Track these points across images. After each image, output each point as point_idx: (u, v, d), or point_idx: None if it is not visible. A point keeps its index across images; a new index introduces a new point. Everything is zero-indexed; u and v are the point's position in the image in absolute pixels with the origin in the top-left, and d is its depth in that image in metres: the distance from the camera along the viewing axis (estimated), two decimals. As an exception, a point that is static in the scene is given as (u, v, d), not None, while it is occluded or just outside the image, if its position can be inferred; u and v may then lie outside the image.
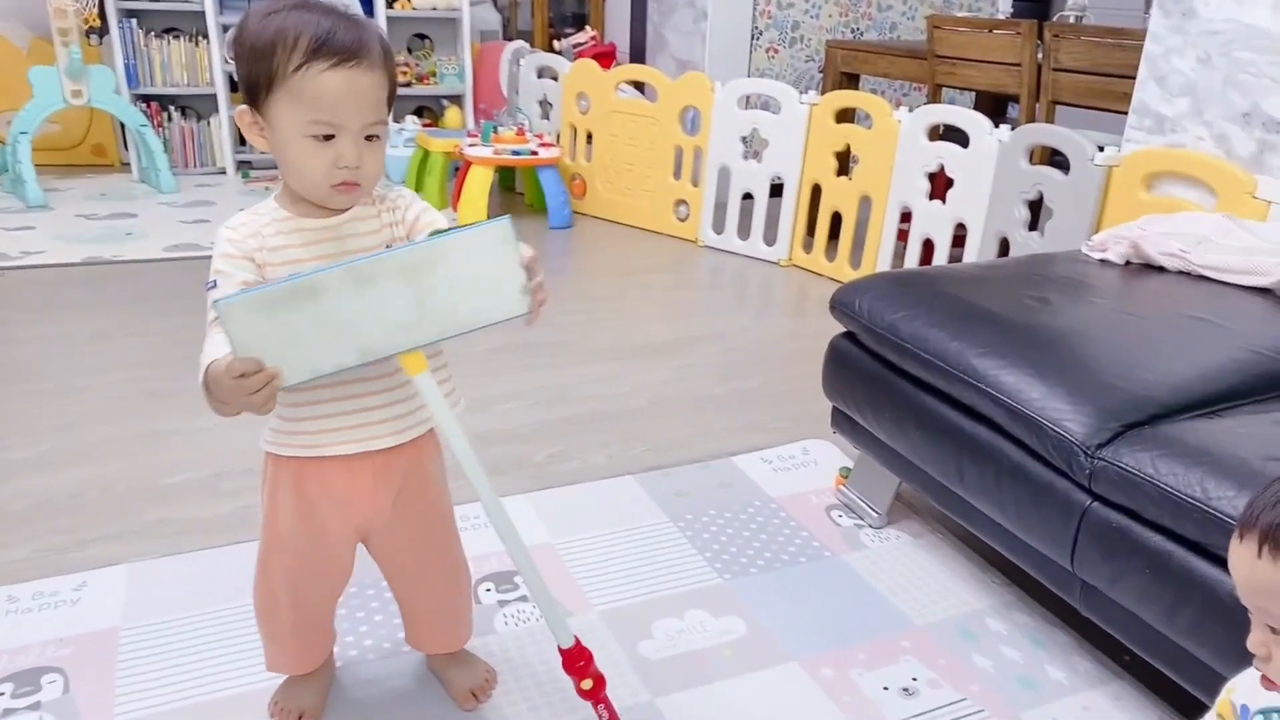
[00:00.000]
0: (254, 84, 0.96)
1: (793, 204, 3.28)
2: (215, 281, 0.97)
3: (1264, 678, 0.82)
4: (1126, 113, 2.43)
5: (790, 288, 3.22)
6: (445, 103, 4.50)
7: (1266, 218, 2.02)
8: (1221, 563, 1.11)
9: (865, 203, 3.10)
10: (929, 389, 1.52)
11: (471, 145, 3.59)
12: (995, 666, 1.42)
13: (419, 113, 4.49)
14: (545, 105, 3.95)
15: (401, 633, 1.34)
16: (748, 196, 3.38)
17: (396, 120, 4.32)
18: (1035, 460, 1.34)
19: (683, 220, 3.59)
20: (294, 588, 1.16)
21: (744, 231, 3.44)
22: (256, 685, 1.29)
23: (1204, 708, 1.04)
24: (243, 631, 1.37)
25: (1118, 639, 1.31)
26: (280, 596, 1.17)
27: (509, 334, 2.61)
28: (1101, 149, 2.38)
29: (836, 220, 3.18)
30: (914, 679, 1.38)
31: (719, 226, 3.50)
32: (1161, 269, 1.83)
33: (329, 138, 0.95)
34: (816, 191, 3.22)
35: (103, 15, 3.89)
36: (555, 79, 3.86)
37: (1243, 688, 0.92)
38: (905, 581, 1.61)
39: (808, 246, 3.31)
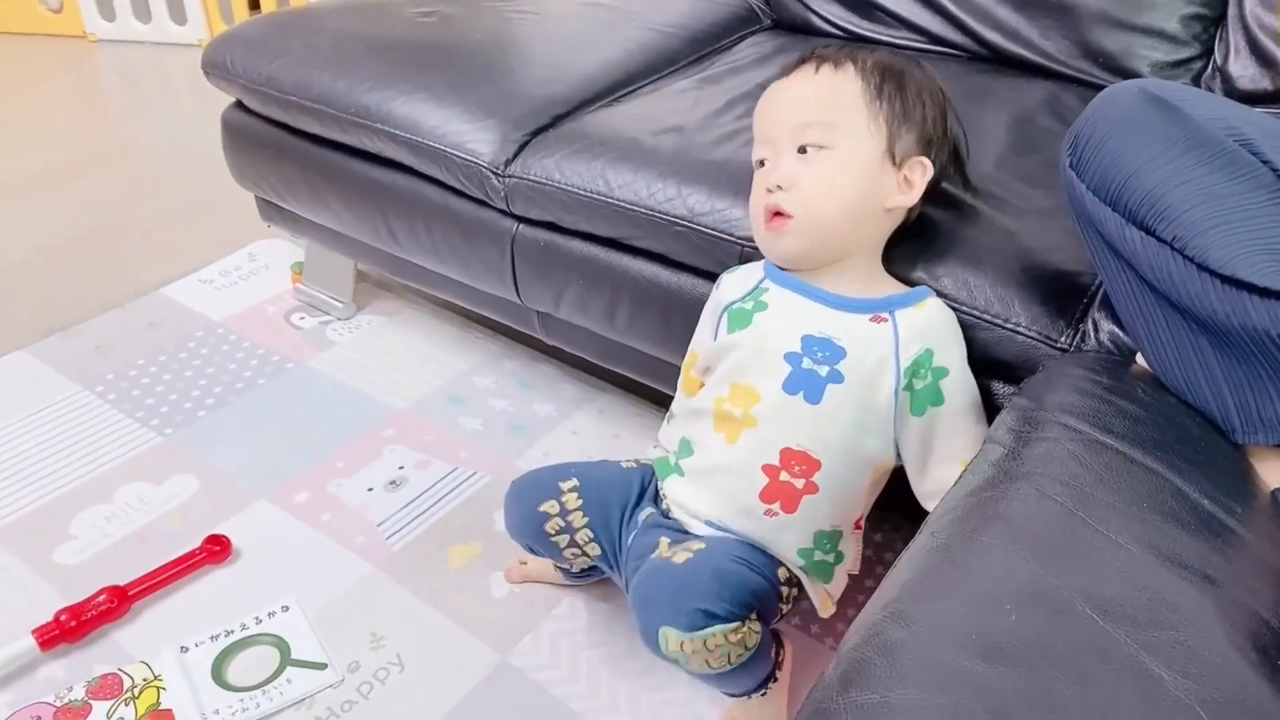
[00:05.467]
0: None
1: (190, -34, 2.68)
2: None
3: (777, 215, 0.85)
4: None
5: (220, 72, 2.69)
6: None
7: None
8: (643, 254, 1.07)
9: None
10: (331, 144, 1.28)
11: None
12: (484, 423, 1.34)
13: None
14: None
15: None
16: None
17: None
18: (455, 195, 1.19)
19: (56, 11, 2.79)
20: None
21: (143, 13, 2.78)
22: None
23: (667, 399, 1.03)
24: None
25: (582, 356, 1.27)
26: None
27: None
28: None
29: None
30: (400, 468, 1.25)
31: (108, 12, 2.77)
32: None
33: None
34: (215, -53, 2.66)
35: None
36: None
37: (728, 284, 0.94)
38: (383, 367, 1.45)
39: (228, 17, 2.77)
